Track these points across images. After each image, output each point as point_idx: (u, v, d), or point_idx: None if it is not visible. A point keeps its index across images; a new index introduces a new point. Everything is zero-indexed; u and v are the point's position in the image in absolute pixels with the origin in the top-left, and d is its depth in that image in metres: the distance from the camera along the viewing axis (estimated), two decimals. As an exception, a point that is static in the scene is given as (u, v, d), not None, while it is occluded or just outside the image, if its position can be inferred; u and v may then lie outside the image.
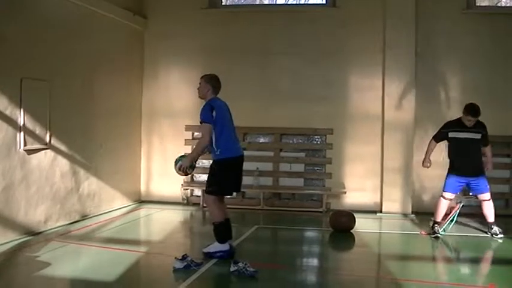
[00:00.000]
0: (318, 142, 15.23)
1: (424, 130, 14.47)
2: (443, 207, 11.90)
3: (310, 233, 12.80)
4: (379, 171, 14.64)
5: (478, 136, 11.67)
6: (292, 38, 15.14)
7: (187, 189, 15.36)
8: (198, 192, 15.26)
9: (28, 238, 10.43)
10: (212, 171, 9.54)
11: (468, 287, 8.18)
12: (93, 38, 13.06)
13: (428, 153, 12.18)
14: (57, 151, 11.64)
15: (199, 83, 9.76)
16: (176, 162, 9.76)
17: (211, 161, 9.69)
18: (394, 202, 14.34)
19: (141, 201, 15.42)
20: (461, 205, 12.14)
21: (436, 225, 11.85)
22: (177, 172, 9.79)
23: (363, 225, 12.44)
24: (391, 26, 14.44)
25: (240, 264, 8.29)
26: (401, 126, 14.35)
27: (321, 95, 14.90)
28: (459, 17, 14.62)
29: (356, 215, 12.21)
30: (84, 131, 12.76)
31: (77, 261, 9.24)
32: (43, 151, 11.17)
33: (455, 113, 14.39)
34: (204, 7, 15.44)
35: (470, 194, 12.31)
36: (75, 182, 12.36)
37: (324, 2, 15.35)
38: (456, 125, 11.80)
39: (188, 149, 15.23)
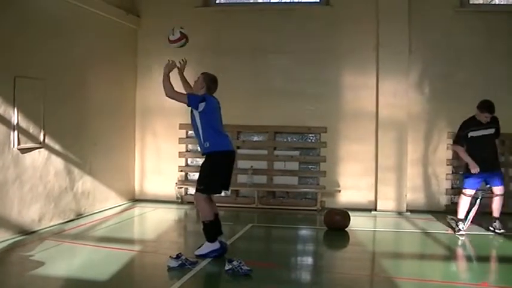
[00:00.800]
0: (312, 140, 15.23)
1: (417, 128, 14.54)
2: (465, 204, 11.97)
3: (305, 232, 12.81)
4: (374, 170, 14.65)
5: (492, 131, 11.84)
6: (285, 37, 15.13)
7: (181, 187, 15.35)
8: (192, 190, 15.23)
9: (22, 237, 10.40)
10: (202, 168, 9.50)
11: (461, 284, 8.20)
12: (87, 36, 13.04)
13: (467, 158, 11.93)
14: (51, 150, 11.61)
15: (198, 77, 9.75)
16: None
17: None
18: (388, 200, 14.35)
19: (135, 199, 15.40)
20: (480, 201, 12.17)
21: (459, 222, 11.89)
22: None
23: (357, 223, 12.44)
24: (384, 24, 14.45)
25: (235, 263, 8.28)
26: (395, 125, 14.37)
27: (315, 93, 14.90)
28: (453, 15, 14.62)
29: (350, 213, 12.23)
30: (78, 129, 12.74)
31: (71, 260, 9.23)
32: (37, 150, 11.14)
33: (448, 111, 14.48)
34: (198, 5, 15.43)
35: (487, 186, 12.26)
36: (69, 180, 12.34)
37: (318, 0, 15.36)
38: (473, 124, 11.87)
39: (182, 148, 15.30)
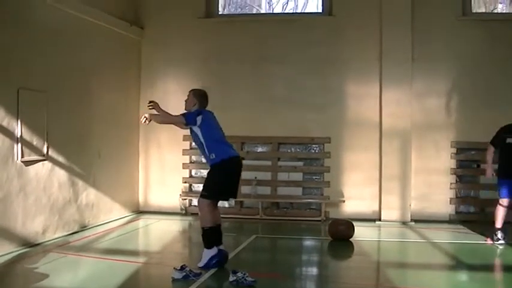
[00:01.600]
0: (316, 151, 15.23)
1: (421, 137, 14.54)
2: (500, 213, 11.85)
3: (309, 242, 12.81)
4: (378, 179, 14.63)
5: None
6: (288, 47, 15.14)
7: (185, 199, 15.35)
8: (196, 202, 15.21)
9: (26, 249, 10.40)
10: (209, 176, 9.48)
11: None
12: (91, 48, 13.07)
13: (489, 161, 12.02)
14: (55, 162, 11.61)
15: (188, 96, 9.75)
16: None
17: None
18: (392, 210, 14.34)
19: (140, 211, 15.40)
20: None
21: (498, 231, 11.77)
22: None
23: (361, 233, 12.41)
24: (387, 33, 14.49)
25: (239, 274, 8.26)
26: (399, 134, 14.37)
27: (318, 103, 14.90)
28: (455, 23, 14.65)
29: (355, 224, 12.20)
30: (82, 141, 12.75)
31: (76, 273, 9.22)
32: (40, 162, 11.15)
33: (452, 119, 14.48)
34: (201, 16, 15.46)
35: None
36: (73, 192, 12.33)
37: (321, 10, 15.39)
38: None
39: (186, 159, 15.29)
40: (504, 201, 11.79)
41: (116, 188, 14.26)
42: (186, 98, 9.79)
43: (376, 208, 14.64)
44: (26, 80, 10.68)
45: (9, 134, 10.24)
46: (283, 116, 15.00)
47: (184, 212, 15.26)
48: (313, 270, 10.36)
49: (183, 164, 15.44)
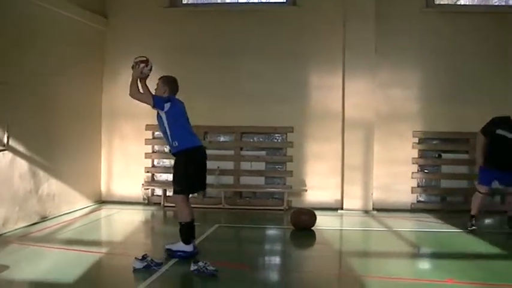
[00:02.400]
0: (279, 140, 15.28)
1: (384, 127, 14.62)
2: (479, 200, 12.15)
3: (272, 231, 12.83)
4: (340, 169, 14.71)
5: None
6: (252, 37, 15.14)
7: (148, 189, 15.31)
8: (159, 191, 15.22)
9: (-14, 241, 10.32)
10: (176, 168, 9.47)
11: (427, 281, 8.24)
12: (53, 38, 12.93)
13: (478, 151, 12.26)
14: (16, 152, 11.50)
15: (157, 84, 9.72)
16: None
17: (172, 161, 9.64)
18: (355, 199, 14.41)
19: (102, 201, 15.31)
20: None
21: (472, 218, 12.04)
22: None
23: (324, 222, 12.49)
24: (350, 25, 14.53)
25: (200, 264, 8.26)
26: (361, 124, 14.44)
27: (282, 94, 14.93)
28: (419, 15, 14.78)
29: (317, 213, 12.28)
30: (44, 132, 12.61)
31: (37, 264, 9.14)
32: (0, 152, 11.03)
33: (414, 110, 14.61)
34: (165, 6, 15.39)
35: (498, 185, 12.57)
36: (35, 183, 12.23)
37: (284, 0, 15.38)
38: (506, 123, 11.94)
39: (148, 149, 15.24)
40: (483, 188, 12.11)
41: (78, 178, 14.16)
42: (155, 86, 9.77)
43: (339, 197, 14.72)
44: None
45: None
46: (246, 106, 15.01)
47: (146, 201, 15.23)
48: (276, 260, 10.38)
49: (146, 153, 15.39)
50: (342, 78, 14.69)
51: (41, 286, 7.90)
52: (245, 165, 15.22)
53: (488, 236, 11.66)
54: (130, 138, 15.42)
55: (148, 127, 15.05)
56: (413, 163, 14.85)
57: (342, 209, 14.50)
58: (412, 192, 14.86)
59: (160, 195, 15.06)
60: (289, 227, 12.19)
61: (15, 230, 11.31)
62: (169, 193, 13.63)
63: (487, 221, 13.43)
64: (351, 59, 14.52)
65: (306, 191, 14.92)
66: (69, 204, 13.67)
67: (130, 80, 9.55)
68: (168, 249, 9.32)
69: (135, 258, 8.55)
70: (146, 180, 15.36)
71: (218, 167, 14.84)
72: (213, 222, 12.92)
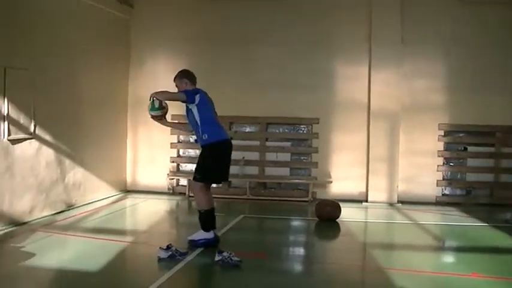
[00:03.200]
0: (304, 131, 15.26)
1: (410, 119, 14.55)
2: None
3: (296, 223, 12.82)
4: (365, 161, 14.68)
5: None
6: (277, 27, 15.09)
7: (173, 178, 15.36)
8: (183, 181, 15.26)
9: (13, 228, 10.38)
10: (201, 158, 9.49)
11: (451, 275, 8.21)
12: (78, 26, 12.97)
13: None
14: (42, 141, 11.57)
15: (175, 82, 9.68)
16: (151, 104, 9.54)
17: (197, 151, 9.65)
18: (379, 191, 14.39)
19: (127, 190, 15.40)
20: None
21: None
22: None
23: (348, 214, 12.47)
24: (376, 14, 14.50)
25: (225, 254, 8.29)
26: (387, 115, 14.40)
27: (307, 84, 14.89)
28: (445, 4, 14.67)
29: (342, 205, 12.26)
30: (70, 120, 12.68)
31: (62, 252, 9.21)
32: (27, 141, 11.11)
33: (440, 102, 14.52)
34: (189, -5, 15.41)
35: None
36: (61, 171, 12.30)
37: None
38: None
39: (174, 139, 15.27)
40: None
41: (104, 167, 14.23)
42: (171, 80, 9.76)
43: (363, 189, 14.69)
44: (12, 59, 10.60)
45: (-5, 112, 10.22)
46: (272, 97, 14.98)
47: (171, 191, 15.29)
48: (300, 251, 10.39)
49: (171, 143, 15.42)
50: (368, 69, 14.64)
51: (65, 274, 7.95)
52: (270, 156, 15.22)
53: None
54: (156, 127, 15.37)
55: (174, 117, 15.04)
56: (438, 156, 14.78)
57: (366, 201, 14.48)
58: (437, 185, 14.80)
59: (185, 185, 15.09)
60: (313, 218, 12.20)
61: (41, 218, 11.40)
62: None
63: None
64: (377, 49, 14.48)
65: (331, 182, 14.90)
66: (94, 193, 13.75)
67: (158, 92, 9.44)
68: (191, 241, 9.34)
69: (160, 247, 8.59)
70: (171, 170, 15.40)
71: (243, 158, 14.86)
72: (237, 212, 12.94)
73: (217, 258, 8.32)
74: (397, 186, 14.43)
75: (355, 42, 14.82)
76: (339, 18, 14.90)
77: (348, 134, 14.84)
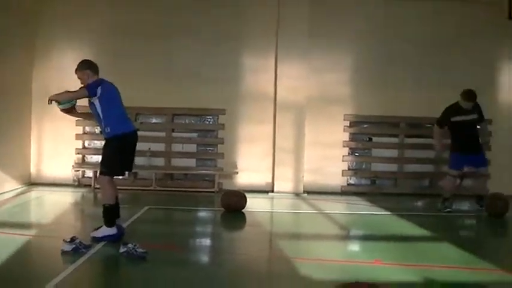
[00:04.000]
0: (211, 122, 15.26)
1: (315, 111, 14.71)
2: (451, 184, 12.69)
3: (203, 213, 12.82)
4: (271, 152, 14.77)
5: (474, 117, 12.48)
6: (187, 19, 15.03)
7: (78, 170, 15.14)
8: (89, 173, 15.07)
9: None
10: (105, 151, 9.35)
11: (356, 263, 8.33)
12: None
13: (436, 138, 12.86)
14: None
15: (78, 77, 9.46)
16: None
17: (103, 142, 9.51)
18: (286, 182, 14.52)
19: (32, 183, 15.09)
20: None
21: (446, 201, 12.55)
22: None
23: (254, 204, 12.54)
24: (284, 7, 14.61)
25: (130, 246, 8.19)
26: (293, 107, 14.53)
27: (214, 75, 14.88)
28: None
29: (248, 195, 12.30)
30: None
31: (-37, 246, 8.99)
32: None
33: (345, 94, 14.72)
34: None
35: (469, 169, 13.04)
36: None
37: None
38: (455, 110, 12.50)
39: (79, 130, 15.04)
40: (454, 172, 12.59)
41: (7, 160, 13.89)
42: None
43: (270, 180, 14.80)
44: None
45: None
46: (178, 88, 14.92)
47: (77, 183, 15.07)
48: (207, 242, 10.35)
49: (76, 134, 15.19)
50: (274, 61, 14.72)
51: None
52: (176, 147, 15.19)
53: (416, 218, 11.87)
54: (61, 120, 15.13)
55: (79, 108, 14.76)
56: (344, 146, 15.03)
57: (272, 191, 14.58)
58: (342, 175, 15.04)
59: (91, 177, 14.89)
60: (220, 209, 12.19)
61: None
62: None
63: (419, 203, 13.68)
64: (283, 42, 14.59)
65: (237, 173, 14.95)
66: (-2, 186, 13.44)
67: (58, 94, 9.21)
68: (93, 237, 9.16)
69: (64, 240, 8.44)
70: (77, 161, 15.19)
71: (149, 149, 14.78)
72: (143, 204, 12.82)
73: (121, 250, 8.22)
74: (303, 177, 14.57)
75: (262, 35, 14.90)
76: (247, 11, 14.96)
77: (254, 125, 14.92)
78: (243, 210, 11.95)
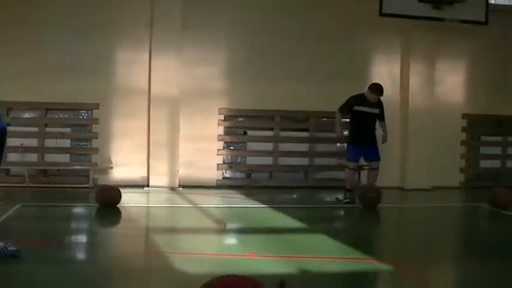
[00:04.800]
0: (84, 117, 15.06)
1: (190, 104, 14.74)
2: (351, 176, 13.06)
3: (77, 209, 12.66)
4: (146, 146, 14.71)
5: (377, 111, 12.85)
6: (60, 9, 14.65)
7: None
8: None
9: None
10: None
11: (230, 256, 8.43)
12: None
13: (337, 122, 13.14)
14: None
15: None
16: None
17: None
18: (161, 176, 14.50)
19: None
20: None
21: (346, 192, 12.83)
22: None
23: (130, 199, 12.47)
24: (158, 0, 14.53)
25: (0, 244, 8.00)
26: (167, 101, 14.52)
27: (87, 68, 14.61)
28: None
29: (123, 190, 12.19)
30: None
31: None
32: None
33: (222, 86, 14.85)
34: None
35: (365, 162, 13.39)
36: None
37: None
38: (360, 100, 12.80)
39: None
40: (351, 164, 12.92)
41: None
42: None
43: (145, 174, 14.73)
44: None
45: None
46: (51, 81, 14.53)
47: None
48: (82, 238, 10.24)
49: None
50: (148, 54, 14.66)
51: None
52: (50, 143, 14.88)
53: (292, 210, 12.10)
54: None
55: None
56: (219, 140, 15.12)
57: (148, 186, 14.53)
58: (217, 169, 15.13)
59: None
60: (94, 204, 12.06)
61: None
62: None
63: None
64: (157, 35, 14.54)
65: (112, 168, 14.81)
66: None
67: None
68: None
69: None
70: None
71: (22, 144, 14.43)
72: (16, 201, 12.48)
73: (-8, 249, 8.04)
74: (178, 171, 14.60)
75: (136, 27, 14.78)
76: (120, 2, 14.79)
77: (128, 119, 14.80)
78: (118, 206, 11.86)
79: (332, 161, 15.60)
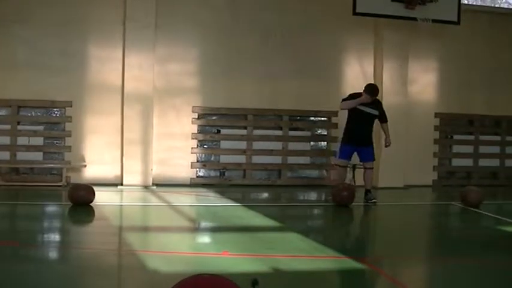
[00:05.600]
0: (57, 115, 14.98)
1: (164, 102, 14.79)
2: (338, 174, 13.19)
3: (50, 208, 12.58)
4: (119, 144, 14.66)
5: (376, 113, 12.83)
6: (32, 4, 14.55)
7: None
8: None
9: None
10: None
11: (203, 254, 8.44)
12: None
13: (351, 102, 12.80)
14: None
15: None
16: None
17: None
18: (134, 174, 14.47)
19: None
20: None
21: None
22: None
23: (103, 198, 12.43)
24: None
25: (-28, 244, 7.99)
26: (141, 98, 14.49)
27: (59, 65, 14.56)
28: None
29: (97, 188, 12.15)
30: None
31: None
32: None
33: (195, 84, 14.86)
34: None
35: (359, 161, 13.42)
36: None
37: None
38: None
39: None
40: (339, 161, 13.11)
41: None
42: None
43: (118, 173, 14.69)
44: None
45: None
46: (23, 78, 14.48)
47: None
48: (54, 237, 10.19)
49: None
50: (122, 51, 14.62)
51: None
52: (22, 141, 14.77)
53: (265, 208, 12.15)
54: None
55: None
56: (192, 138, 15.11)
57: (122, 184, 14.49)
58: (191, 167, 15.12)
59: None
60: (67, 203, 12.01)
61: None
62: None
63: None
64: (131, 33, 14.51)
65: (85, 166, 14.75)
66: None
67: None
68: None
69: None
70: None
71: (-7, 143, 14.37)
72: (-13, 200, 12.49)
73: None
74: (152, 169, 14.58)
75: (109, 24, 14.74)
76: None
77: (101, 117, 14.76)
78: (91, 204, 11.82)
79: (305, 160, 15.68)
